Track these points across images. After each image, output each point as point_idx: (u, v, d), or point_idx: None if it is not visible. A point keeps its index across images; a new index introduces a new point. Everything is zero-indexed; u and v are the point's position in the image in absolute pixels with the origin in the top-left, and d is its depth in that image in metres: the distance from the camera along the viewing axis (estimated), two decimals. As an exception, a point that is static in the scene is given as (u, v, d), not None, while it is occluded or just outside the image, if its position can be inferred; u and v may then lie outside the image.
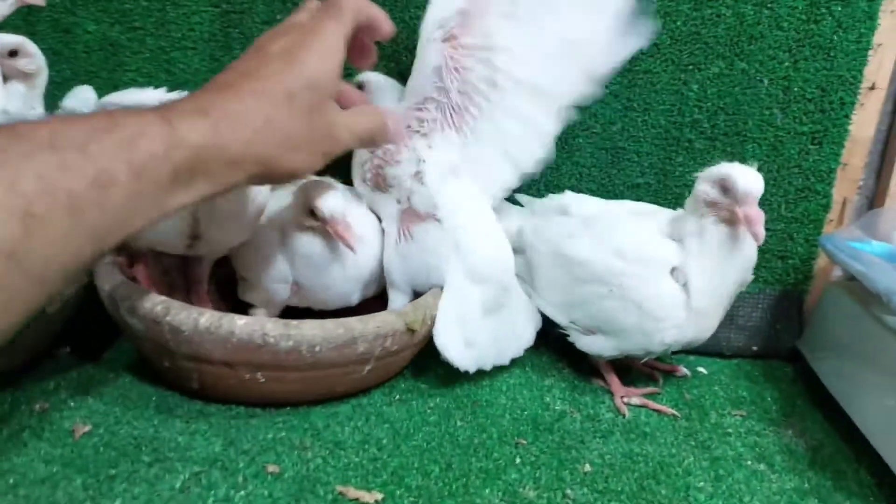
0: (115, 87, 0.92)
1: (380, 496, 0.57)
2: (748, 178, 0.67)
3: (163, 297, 0.63)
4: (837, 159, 0.88)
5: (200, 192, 0.49)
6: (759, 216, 0.66)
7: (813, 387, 0.84)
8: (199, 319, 0.61)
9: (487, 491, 0.59)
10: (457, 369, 0.73)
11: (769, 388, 0.84)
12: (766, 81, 0.86)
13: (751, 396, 0.82)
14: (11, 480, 0.54)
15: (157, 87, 0.88)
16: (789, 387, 0.86)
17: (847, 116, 0.86)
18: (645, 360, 0.78)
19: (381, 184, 0.77)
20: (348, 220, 0.69)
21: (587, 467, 0.64)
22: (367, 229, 0.75)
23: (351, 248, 0.69)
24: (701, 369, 0.87)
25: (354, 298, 0.76)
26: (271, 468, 0.59)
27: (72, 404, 0.66)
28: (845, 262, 0.77)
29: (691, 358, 0.90)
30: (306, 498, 0.56)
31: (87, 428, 0.62)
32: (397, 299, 0.76)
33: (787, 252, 0.91)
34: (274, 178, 0.54)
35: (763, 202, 0.68)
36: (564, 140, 0.90)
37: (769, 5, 0.83)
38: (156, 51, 0.93)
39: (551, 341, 0.86)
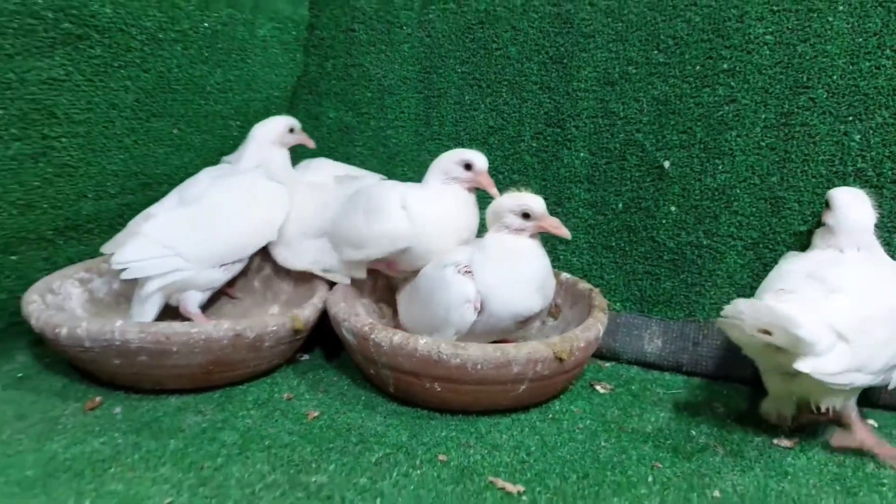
0: (348, 159, 1.20)
1: (522, 489, 0.70)
2: None
3: (370, 320, 0.84)
4: None
5: None
6: None
7: None
8: (393, 338, 0.80)
9: (616, 500, 0.69)
10: (608, 401, 0.86)
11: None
12: (938, 128, 0.84)
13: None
14: (266, 443, 0.78)
15: (376, 157, 1.14)
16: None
17: None
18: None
19: None
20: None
21: (716, 493, 0.71)
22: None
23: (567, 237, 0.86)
24: (871, 422, 0.86)
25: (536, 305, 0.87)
26: (441, 457, 0.75)
27: (308, 397, 0.89)
28: None
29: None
30: (464, 482, 0.71)
31: (317, 414, 0.84)
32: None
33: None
34: None
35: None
36: (722, 190, 0.96)
37: (935, 53, 0.82)
38: (376, 130, 1.19)
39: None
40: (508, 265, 0.86)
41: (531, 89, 1.08)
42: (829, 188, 0.90)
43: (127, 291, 1.00)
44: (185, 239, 0.94)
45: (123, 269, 0.91)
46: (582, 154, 1.05)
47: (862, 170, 0.88)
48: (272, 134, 1.06)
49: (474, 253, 0.88)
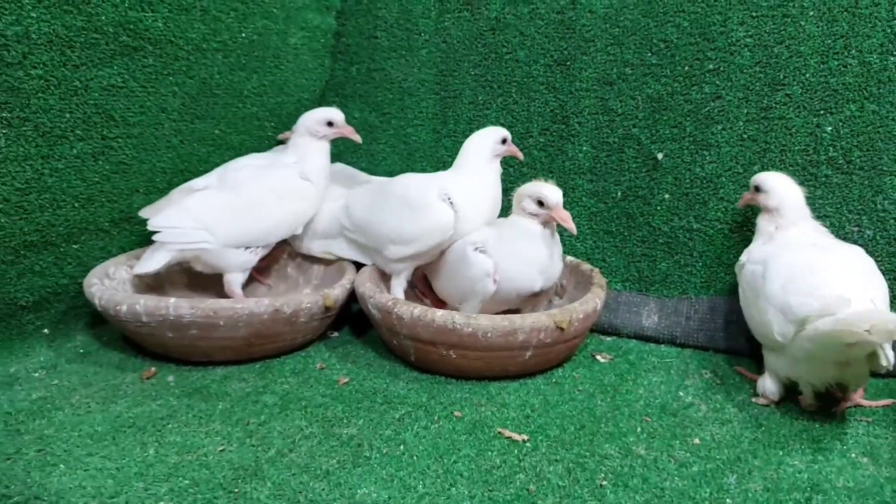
0: (371, 156, 1.31)
1: (526, 437, 0.81)
2: None
3: (392, 296, 0.95)
4: None
5: None
6: None
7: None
8: (413, 311, 0.91)
9: (607, 446, 0.79)
10: (607, 368, 0.96)
11: (909, 404, 0.89)
12: (903, 120, 0.93)
13: (884, 411, 0.88)
14: (303, 404, 0.89)
15: (397, 154, 1.24)
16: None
17: None
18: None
19: None
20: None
21: (696, 441, 0.81)
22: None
23: (573, 232, 0.94)
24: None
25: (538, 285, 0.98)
26: (457, 414, 0.86)
27: (338, 367, 1.00)
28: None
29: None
30: (476, 433, 0.82)
31: (347, 380, 0.96)
32: None
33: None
34: None
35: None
36: (709, 179, 1.06)
37: (895, 53, 0.91)
38: (397, 129, 1.30)
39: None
40: (515, 246, 0.96)
41: (538, 89, 1.18)
42: (804, 175, 1.00)
43: (172, 278, 1.12)
44: (216, 219, 1.05)
45: (158, 232, 1.03)
46: (584, 148, 1.15)
47: (833, 158, 0.97)
48: (302, 126, 1.13)
49: (491, 233, 0.99)
